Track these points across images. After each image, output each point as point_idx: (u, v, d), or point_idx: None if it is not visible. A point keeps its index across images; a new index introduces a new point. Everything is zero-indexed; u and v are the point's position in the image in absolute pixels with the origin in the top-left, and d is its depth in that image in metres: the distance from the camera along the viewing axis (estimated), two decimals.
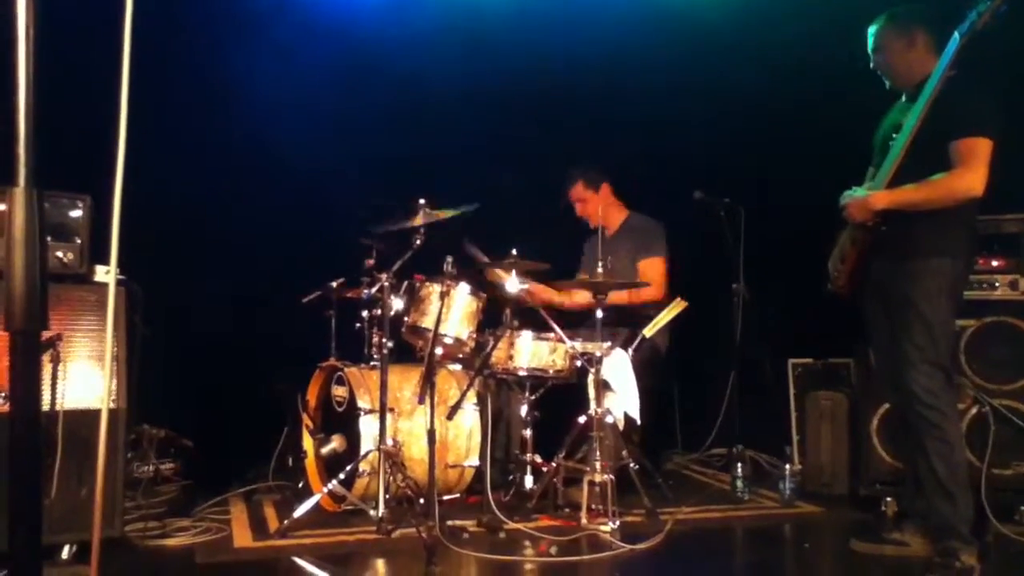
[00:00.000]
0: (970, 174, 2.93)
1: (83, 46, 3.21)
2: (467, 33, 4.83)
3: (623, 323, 4.34)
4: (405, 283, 3.71)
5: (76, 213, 2.99)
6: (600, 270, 3.72)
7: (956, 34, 2.87)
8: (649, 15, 4.97)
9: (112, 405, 2.92)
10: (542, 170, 4.81)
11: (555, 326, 3.80)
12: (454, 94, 4.80)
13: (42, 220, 1.30)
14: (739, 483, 4.09)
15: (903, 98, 3.21)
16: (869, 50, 3.24)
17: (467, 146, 4.88)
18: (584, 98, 5.10)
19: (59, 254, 2.93)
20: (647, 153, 5.01)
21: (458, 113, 4.83)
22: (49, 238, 2.90)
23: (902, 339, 3.05)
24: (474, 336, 3.77)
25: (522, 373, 3.82)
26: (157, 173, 3.67)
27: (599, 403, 3.64)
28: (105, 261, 3.00)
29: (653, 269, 4.45)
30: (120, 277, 2.80)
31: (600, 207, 4.45)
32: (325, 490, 3.57)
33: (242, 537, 3.35)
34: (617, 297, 4.34)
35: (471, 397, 3.82)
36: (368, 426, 3.59)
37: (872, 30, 3.23)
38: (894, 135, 3.08)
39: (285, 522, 3.37)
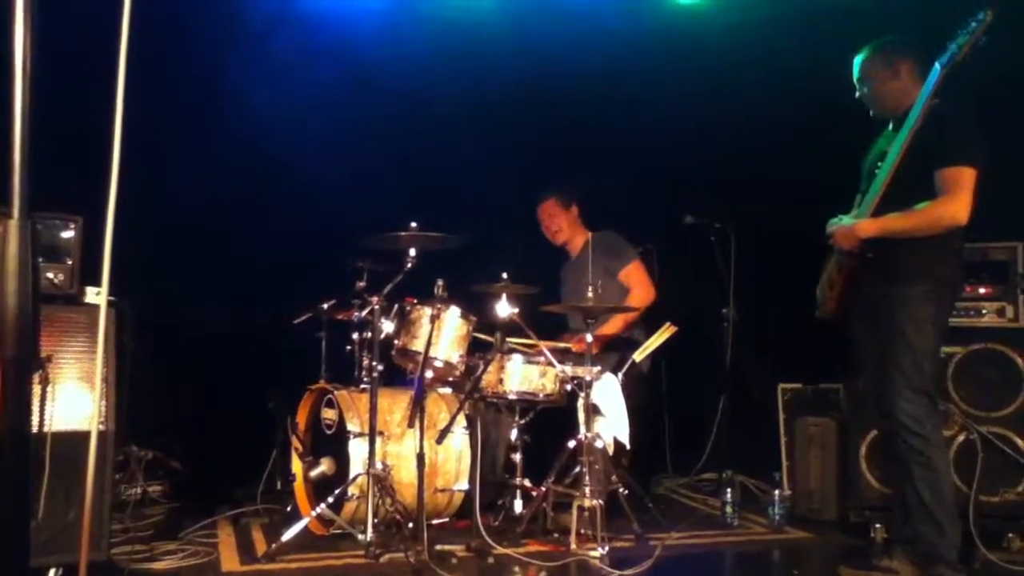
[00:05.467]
0: (955, 203, 2.97)
1: (78, 62, 3.22)
2: (464, 51, 4.86)
3: (613, 347, 4.34)
4: (396, 306, 3.71)
5: (68, 234, 2.99)
6: (591, 294, 3.72)
7: (937, 65, 2.93)
8: (645, 39, 5.02)
9: (101, 427, 2.91)
10: (537, 190, 4.82)
11: (545, 350, 3.80)
12: (451, 112, 4.82)
13: (35, 250, 1.30)
14: (729, 508, 4.10)
15: (890, 126, 3.25)
16: (855, 80, 3.29)
17: (463, 164, 4.90)
18: (577, 121, 5.12)
19: (50, 275, 2.92)
20: (639, 177, 5.04)
21: (455, 131, 4.85)
22: (40, 259, 2.90)
23: (888, 364, 3.08)
24: (464, 359, 3.77)
25: (512, 397, 3.82)
26: (150, 191, 3.68)
27: (589, 427, 3.64)
28: (96, 279, 2.99)
29: (634, 274, 4.43)
30: (110, 298, 2.79)
31: (567, 226, 4.55)
32: (313, 514, 3.55)
33: (229, 560, 3.32)
34: (612, 327, 4.35)
35: (461, 421, 3.82)
36: (357, 449, 3.58)
37: (857, 60, 3.28)
38: (879, 163, 3.12)
39: (273, 546, 3.35)
